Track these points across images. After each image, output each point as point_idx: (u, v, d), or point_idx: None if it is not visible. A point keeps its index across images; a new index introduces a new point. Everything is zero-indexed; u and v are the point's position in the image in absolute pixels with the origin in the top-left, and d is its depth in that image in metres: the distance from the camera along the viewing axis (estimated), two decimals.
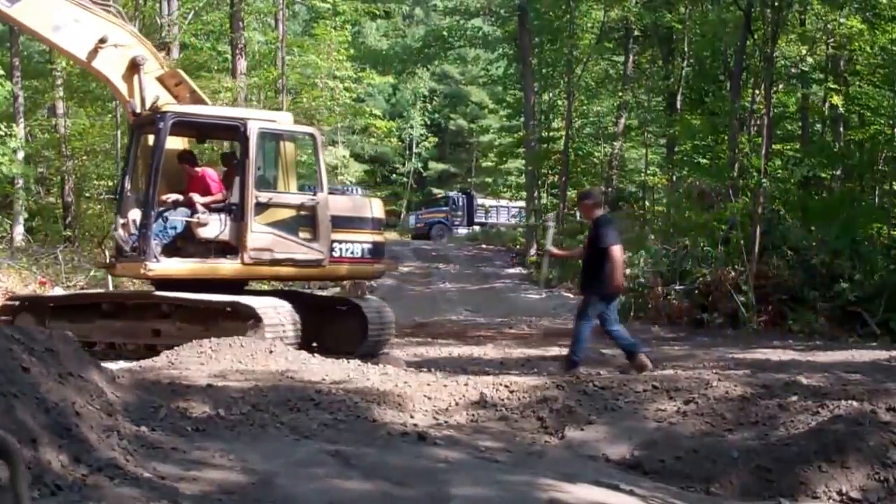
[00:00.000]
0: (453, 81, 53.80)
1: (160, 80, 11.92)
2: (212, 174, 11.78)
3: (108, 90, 26.28)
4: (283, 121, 12.59)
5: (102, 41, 11.37)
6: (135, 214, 11.47)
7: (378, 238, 12.36)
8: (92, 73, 12.62)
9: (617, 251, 9.67)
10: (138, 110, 11.61)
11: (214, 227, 11.29)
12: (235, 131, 11.60)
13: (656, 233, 22.89)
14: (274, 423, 6.83)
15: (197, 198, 11.36)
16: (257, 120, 11.77)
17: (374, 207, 12.40)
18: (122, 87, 11.68)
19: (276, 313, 10.68)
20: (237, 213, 11.31)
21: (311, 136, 12.60)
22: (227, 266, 11.40)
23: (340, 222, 11.90)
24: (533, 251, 26.68)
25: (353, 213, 12.10)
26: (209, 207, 11.39)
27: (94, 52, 11.37)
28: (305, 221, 11.72)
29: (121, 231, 11.32)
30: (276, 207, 11.57)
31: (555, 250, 11.14)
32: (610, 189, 30.94)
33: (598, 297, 9.82)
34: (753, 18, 20.11)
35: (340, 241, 11.90)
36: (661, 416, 7.28)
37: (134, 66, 11.65)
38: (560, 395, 7.72)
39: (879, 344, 14.65)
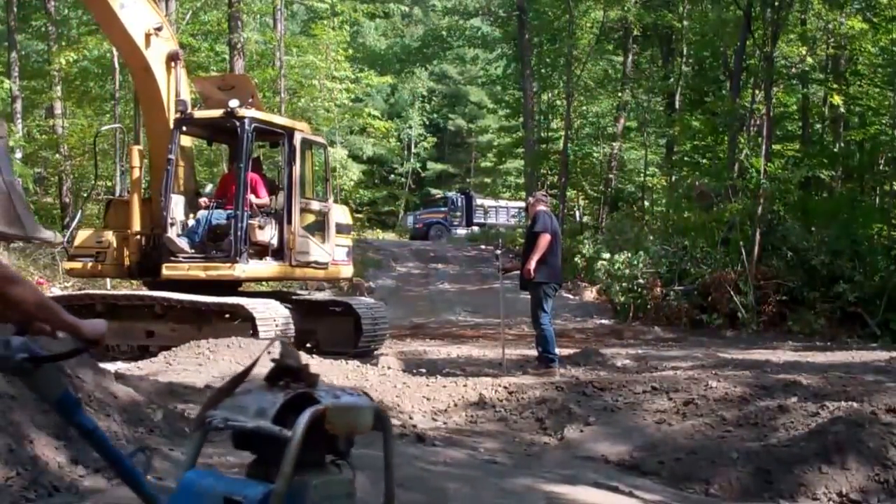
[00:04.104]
0: (452, 81, 53.66)
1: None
2: (259, 179, 11.88)
3: (106, 89, 26.45)
4: (305, 130, 12.79)
5: (158, 29, 11.50)
6: (181, 214, 11.68)
7: (350, 241, 13.37)
8: (132, 62, 12.35)
9: (543, 238, 9.92)
10: (188, 109, 11.69)
11: (269, 229, 11.53)
12: (281, 138, 11.94)
13: (655, 233, 22.84)
14: None
15: (253, 199, 11.51)
16: (300, 130, 12.21)
17: (347, 214, 13.62)
18: (163, 82, 11.70)
19: (270, 314, 10.79)
20: (285, 217, 11.62)
21: (324, 146, 13.29)
22: (283, 268, 11.81)
23: (338, 227, 12.60)
24: None
25: (342, 220, 12.88)
26: (261, 210, 11.65)
27: (147, 39, 11.42)
28: (320, 226, 12.27)
29: (171, 232, 11.37)
30: (307, 212, 12.05)
31: (508, 265, 11.47)
32: (609, 189, 30.92)
33: (539, 287, 10.03)
34: (753, 18, 20.10)
35: (337, 245, 12.51)
36: (660, 418, 7.27)
37: (170, 61, 11.75)
38: (559, 396, 7.70)
39: (880, 344, 14.65)
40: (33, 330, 2.87)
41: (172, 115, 11.73)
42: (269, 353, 2.93)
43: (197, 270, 11.29)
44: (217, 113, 11.52)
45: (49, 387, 2.89)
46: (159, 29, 11.52)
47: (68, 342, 2.99)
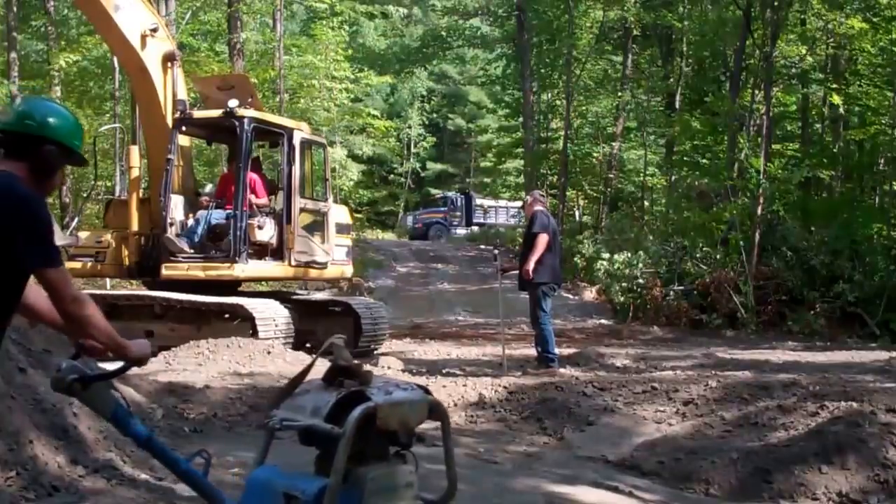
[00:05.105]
0: (451, 81, 53.59)
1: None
2: (258, 179, 11.87)
3: (105, 89, 26.42)
4: (305, 130, 12.80)
5: (154, 30, 11.49)
6: (180, 214, 11.68)
7: (349, 241, 13.39)
8: (128, 63, 12.34)
9: (542, 239, 9.89)
10: (187, 109, 11.69)
11: (268, 229, 11.53)
12: (280, 138, 11.93)
13: (655, 233, 22.83)
14: None
15: (253, 199, 11.51)
16: (299, 130, 12.20)
17: (347, 214, 13.59)
18: (159, 82, 11.68)
19: (269, 313, 10.80)
20: (284, 217, 11.62)
21: (323, 146, 13.34)
22: (282, 268, 11.80)
23: (337, 227, 12.63)
24: None
25: (342, 219, 12.89)
26: (260, 210, 11.64)
27: (143, 41, 11.41)
28: (319, 226, 12.27)
29: (170, 232, 11.37)
30: (306, 212, 12.04)
31: (507, 265, 11.40)
32: (609, 189, 30.90)
33: (538, 288, 9.98)
34: (753, 18, 20.10)
35: (336, 244, 12.55)
36: (660, 418, 7.27)
37: (166, 62, 11.73)
38: (559, 396, 7.70)
39: (879, 344, 14.65)
40: (87, 351, 3.10)
41: (170, 115, 11.73)
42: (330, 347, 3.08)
43: (196, 270, 11.29)
44: (216, 113, 11.53)
45: (101, 403, 3.06)
46: (155, 30, 11.50)
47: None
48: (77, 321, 2.93)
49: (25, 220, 2.86)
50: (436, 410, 3.24)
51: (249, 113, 11.43)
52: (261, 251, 11.55)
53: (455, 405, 7.58)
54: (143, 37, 11.38)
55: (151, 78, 11.63)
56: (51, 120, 3.06)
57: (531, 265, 9.83)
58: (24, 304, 3.10)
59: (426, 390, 3.24)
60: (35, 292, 3.05)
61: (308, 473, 3.02)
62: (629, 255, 20.25)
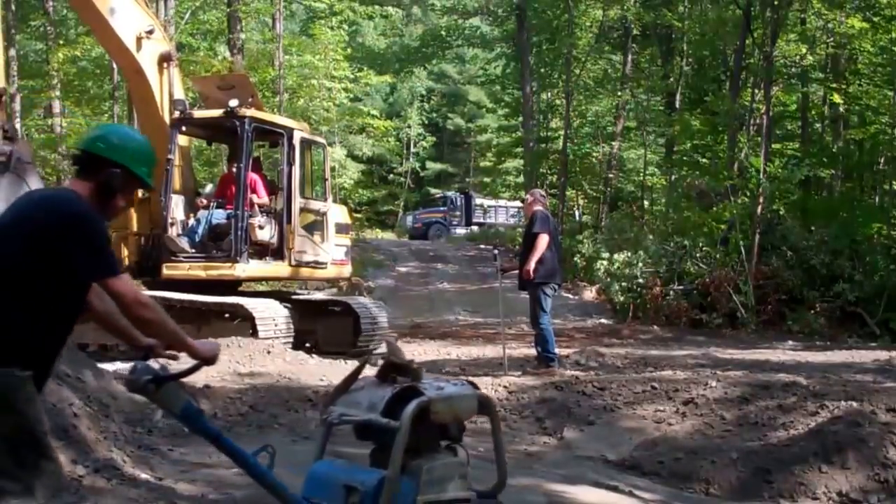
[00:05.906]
0: (451, 81, 53.55)
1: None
2: (259, 179, 11.87)
3: (104, 89, 26.41)
4: (305, 129, 12.82)
5: (150, 32, 11.46)
6: (181, 214, 11.69)
7: (349, 241, 13.46)
8: (124, 65, 12.41)
9: (542, 239, 9.82)
10: (187, 109, 11.69)
11: (269, 229, 11.56)
12: (280, 138, 11.93)
13: (655, 233, 22.83)
14: (272, 423, 6.82)
15: (256, 199, 11.51)
16: (299, 130, 12.22)
17: (346, 214, 13.63)
18: (155, 83, 11.67)
19: (269, 313, 10.82)
20: (284, 217, 11.63)
21: (323, 146, 13.34)
22: (282, 268, 11.82)
23: (337, 227, 12.67)
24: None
25: (341, 219, 12.93)
26: (261, 210, 11.66)
27: (138, 42, 11.38)
28: (319, 226, 12.27)
29: (171, 232, 11.38)
30: (306, 212, 12.04)
31: (507, 265, 11.33)
32: (609, 189, 30.91)
33: (539, 287, 9.93)
34: (753, 17, 20.11)
35: (336, 244, 12.57)
36: (660, 417, 7.27)
37: (162, 63, 11.71)
38: (559, 396, 7.70)
39: (879, 344, 14.65)
40: (156, 353, 3.28)
41: (167, 115, 11.73)
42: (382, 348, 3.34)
43: (197, 270, 11.30)
44: (217, 112, 11.53)
45: (172, 401, 3.19)
46: (151, 31, 11.47)
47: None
48: (144, 325, 3.07)
49: (83, 234, 2.96)
50: (485, 405, 3.38)
51: (250, 113, 11.43)
52: (261, 251, 11.56)
53: None
54: (139, 39, 11.35)
55: (147, 79, 11.61)
56: (119, 144, 3.18)
57: (532, 265, 9.81)
58: (97, 313, 3.25)
59: (475, 385, 3.39)
60: (107, 301, 3.16)
61: (365, 466, 3.17)
62: (629, 254, 20.24)
